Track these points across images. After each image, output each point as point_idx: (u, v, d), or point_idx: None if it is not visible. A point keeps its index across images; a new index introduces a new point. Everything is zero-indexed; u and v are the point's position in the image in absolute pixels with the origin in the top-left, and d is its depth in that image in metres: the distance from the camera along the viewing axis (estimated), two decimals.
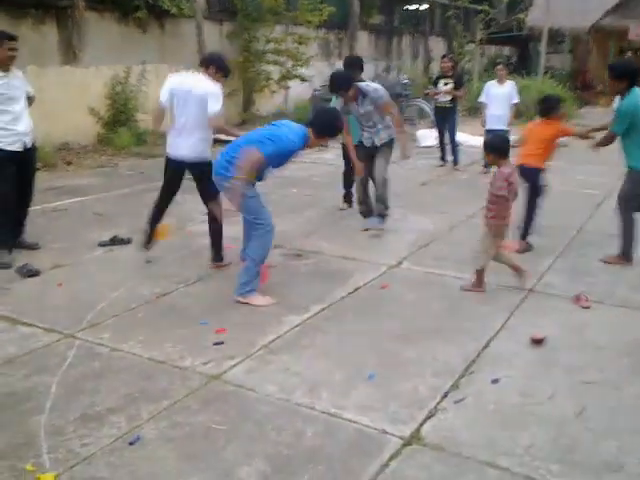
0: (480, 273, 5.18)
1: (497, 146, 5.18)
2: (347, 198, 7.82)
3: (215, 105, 5.15)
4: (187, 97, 5.21)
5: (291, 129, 4.78)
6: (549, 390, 3.70)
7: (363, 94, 6.40)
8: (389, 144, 6.68)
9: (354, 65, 7.17)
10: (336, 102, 6.69)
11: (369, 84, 6.63)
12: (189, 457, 3.08)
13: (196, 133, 5.26)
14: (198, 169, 5.33)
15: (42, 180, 6.52)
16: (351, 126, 6.58)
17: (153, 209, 5.58)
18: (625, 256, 5.82)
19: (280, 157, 4.72)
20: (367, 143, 6.64)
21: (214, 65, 5.38)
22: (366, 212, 6.93)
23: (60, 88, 10.40)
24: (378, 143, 6.61)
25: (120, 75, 11.44)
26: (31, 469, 2.95)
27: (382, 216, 6.77)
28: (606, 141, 5.92)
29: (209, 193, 5.31)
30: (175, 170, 5.44)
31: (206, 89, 5.17)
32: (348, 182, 7.71)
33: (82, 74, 10.91)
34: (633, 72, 5.63)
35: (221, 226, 5.52)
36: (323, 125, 4.86)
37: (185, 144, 5.27)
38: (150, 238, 5.63)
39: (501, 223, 5.09)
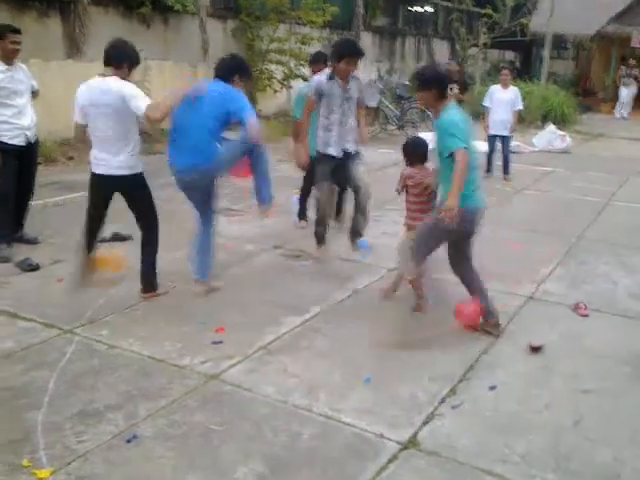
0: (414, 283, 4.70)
1: (409, 151, 4.95)
2: (302, 214, 6.91)
3: (140, 103, 4.36)
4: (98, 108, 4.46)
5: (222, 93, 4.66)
6: (546, 398, 3.71)
7: (353, 76, 5.37)
8: (358, 154, 5.57)
9: (318, 61, 6.62)
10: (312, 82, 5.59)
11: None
12: (186, 456, 3.08)
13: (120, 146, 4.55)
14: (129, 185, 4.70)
15: (43, 175, 6.51)
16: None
17: (85, 233, 4.84)
18: None
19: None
20: (335, 152, 5.38)
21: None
22: (323, 235, 5.80)
23: (63, 82, 10.35)
24: (351, 149, 5.47)
25: None
26: (27, 465, 2.96)
27: (362, 232, 5.74)
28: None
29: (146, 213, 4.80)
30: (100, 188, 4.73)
31: (118, 92, 4.40)
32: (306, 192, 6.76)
33: (85, 68, 10.83)
34: (442, 80, 4.40)
35: (156, 251, 4.86)
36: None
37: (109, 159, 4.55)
38: (88, 268, 4.83)
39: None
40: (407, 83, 16.79)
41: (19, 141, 5.59)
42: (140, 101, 4.35)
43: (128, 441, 3.16)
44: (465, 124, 4.20)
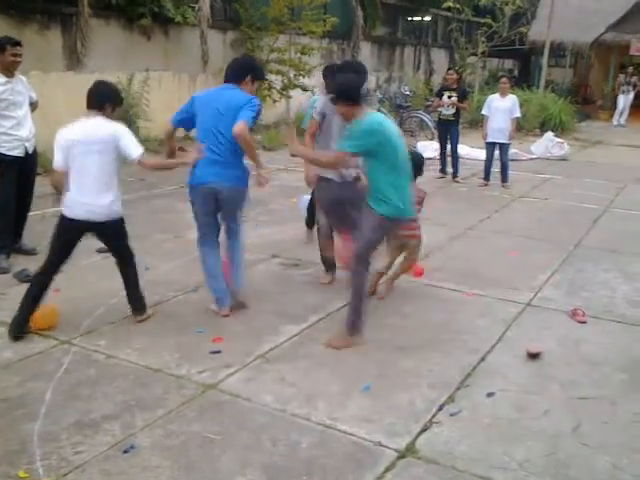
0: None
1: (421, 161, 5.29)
2: (310, 221, 6.43)
3: (135, 148, 4.33)
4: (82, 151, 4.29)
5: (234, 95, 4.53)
6: (545, 405, 3.70)
7: None
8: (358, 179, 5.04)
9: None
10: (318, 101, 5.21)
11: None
12: (184, 466, 3.07)
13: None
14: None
15: (42, 185, 6.50)
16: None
17: (35, 283, 4.51)
18: None
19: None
20: (335, 177, 4.99)
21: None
22: (330, 261, 5.57)
23: (63, 94, 10.40)
24: (349, 177, 5.00)
25: (123, 82, 11.47)
26: (24, 475, 2.95)
27: None
28: None
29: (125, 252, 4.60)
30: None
31: (109, 134, 4.28)
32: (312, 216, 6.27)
33: (86, 80, 10.84)
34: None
35: (136, 271, 4.64)
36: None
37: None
38: (26, 322, 4.40)
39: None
40: (406, 92, 16.85)
41: (18, 152, 5.61)
42: (133, 144, 4.34)
43: (125, 451, 3.16)
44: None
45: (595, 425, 3.52)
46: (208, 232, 4.72)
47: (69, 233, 4.40)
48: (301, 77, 14.29)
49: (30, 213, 6.09)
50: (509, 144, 10.05)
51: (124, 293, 4.67)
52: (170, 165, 4.88)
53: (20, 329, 4.34)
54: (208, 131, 4.52)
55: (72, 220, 4.33)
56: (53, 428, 3.33)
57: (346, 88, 4.27)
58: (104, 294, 5.03)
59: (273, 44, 13.90)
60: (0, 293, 5.09)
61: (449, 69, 11.13)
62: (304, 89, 14.34)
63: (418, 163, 5.03)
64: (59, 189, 4.40)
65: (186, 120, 4.69)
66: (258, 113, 4.52)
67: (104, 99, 4.35)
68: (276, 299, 5.07)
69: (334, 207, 5.08)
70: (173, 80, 12.69)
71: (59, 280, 5.32)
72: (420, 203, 5.10)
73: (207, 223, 4.70)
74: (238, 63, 4.78)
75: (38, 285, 4.44)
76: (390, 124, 4.29)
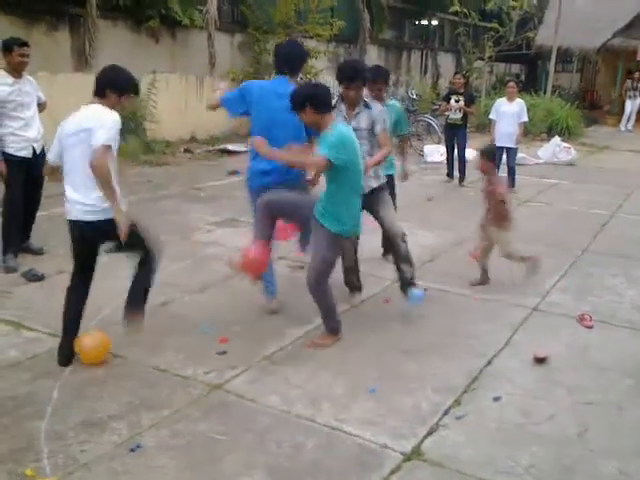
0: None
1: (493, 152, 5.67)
2: None
3: (100, 135, 3.72)
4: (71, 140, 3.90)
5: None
6: (551, 410, 3.69)
7: (365, 104, 4.85)
8: (385, 187, 5.05)
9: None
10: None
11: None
12: (189, 466, 3.08)
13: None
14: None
15: (50, 186, 6.53)
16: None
17: (70, 302, 4.15)
18: None
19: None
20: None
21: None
22: (356, 282, 5.31)
23: (71, 95, 10.41)
24: (373, 185, 4.87)
25: None
26: (31, 474, 2.96)
27: (413, 281, 5.04)
28: None
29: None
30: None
31: (93, 123, 3.79)
32: None
33: (93, 81, 10.97)
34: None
35: (148, 276, 4.23)
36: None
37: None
38: (71, 351, 4.00)
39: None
40: (413, 96, 16.85)
41: (26, 153, 5.63)
42: (102, 135, 3.71)
43: (131, 450, 3.16)
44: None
45: (601, 430, 3.51)
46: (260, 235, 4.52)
47: (75, 239, 4.08)
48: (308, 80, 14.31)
49: (38, 213, 6.10)
50: (516, 149, 10.04)
51: None
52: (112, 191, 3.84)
53: (68, 358, 3.97)
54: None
55: (72, 222, 4.04)
56: (60, 427, 3.34)
57: (314, 95, 4.08)
58: (111, 294, 5.02)
59: None
60: (7, 292, 5.10)
61: (456, 73, 11.14)
62: None
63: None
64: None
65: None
66: None
67: (105, 85, 3.93)
68: (282, 301, 5.06)
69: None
70: (180, 82, 12.72)
71: (66, 280, 5.34)
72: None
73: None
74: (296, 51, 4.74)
75: (71, 303, 4.12)
76: (354, 139, 4.17)
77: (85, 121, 3.83)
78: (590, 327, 4.84)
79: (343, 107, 4.83)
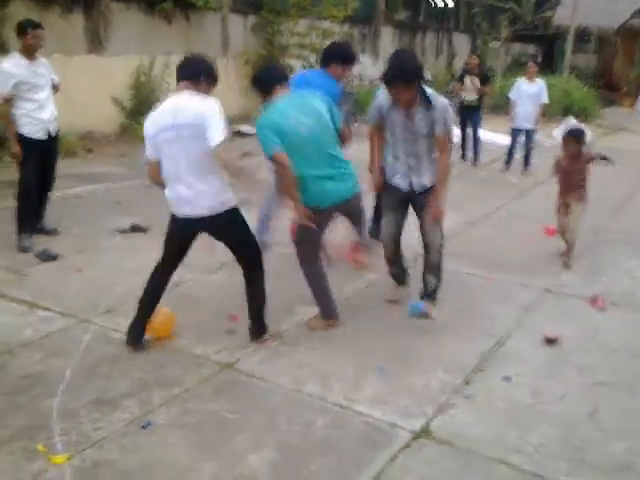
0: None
1: (582, 134, 5.80)
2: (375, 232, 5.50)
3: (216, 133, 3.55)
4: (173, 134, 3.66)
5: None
6: (561, 390, 3.69)
7: (426, 100, 4.23)
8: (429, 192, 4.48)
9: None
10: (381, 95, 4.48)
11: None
12: (199, 444, 3.11)
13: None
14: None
15: (63, 167, 6.57)
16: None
17: (153, 286, 4.04)
18: None
19: None
20: (401, 184, 4.49)
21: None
22: (401, 275, 4.99)
23: (85, 77, 10.46)
24: (419, 188, 4.46)
25: (145, 65, 11.50)
26: (43, 450, 3.00)
27: (434, 295, 4.67)
28: None
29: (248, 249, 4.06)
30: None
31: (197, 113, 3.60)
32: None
33: (107, 63, 10.98)
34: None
35: (264, 292, 4.14)
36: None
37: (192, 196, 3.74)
38: (142, 332, 4.01)
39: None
40: (428, 78, 16.70)
41: (40, 135, 5.66)
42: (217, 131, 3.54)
43: (143, 428, 3.20)
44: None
45: (611, 411, 3.50)
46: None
47: (180, 234, 3.94)
48: None
49: (51, 194, 6.15)
50: (535, 130, 9.95)
51: (143, 273, 4.71)
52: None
53: (139, 339, 3.98)
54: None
55: (185, 220, 3.82)
56: (72, 405, 3.38)
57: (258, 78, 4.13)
58: (124, 274, 5.08)
59: (294, 29, 13.84)
60: (22, 271, 5.15)
61: (471, 53, 11.01)
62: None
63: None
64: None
65: None
66: None
67: (199, 72, 3.78)
68: (291, 281, 5.05)
69: (394, 216, 4.65)
70: None
71: (80, 260, 5.40)
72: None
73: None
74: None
75: (152, 287, 4.02)
76: (285, 111, 3.92)
77: (192, 114, 3.59)
78: (603, 309, 4.81)
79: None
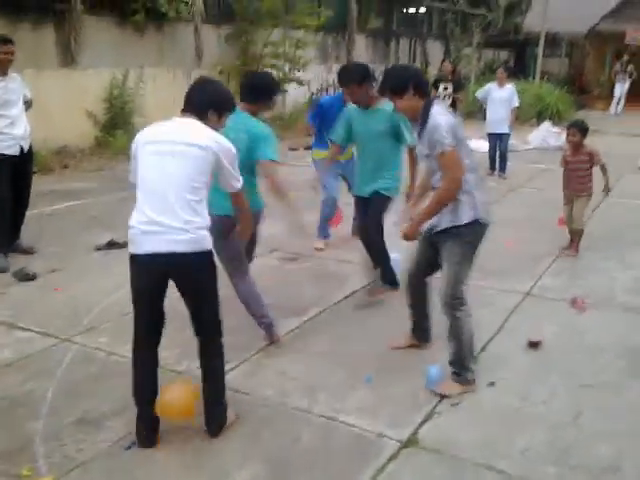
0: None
1: (585, 127, 6.13)
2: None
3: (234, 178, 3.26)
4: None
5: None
6: (545, 393, 3.71)
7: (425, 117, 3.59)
8: (469, 230, 3.65)
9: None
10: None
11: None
12: (185, 461, 3.08)
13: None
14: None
15: (39, 184, 6.51)
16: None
17: (139, 368, 3.31)
18: None
19: None
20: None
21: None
22: (423, 332, 4.24)
23: (58, 91, 10.38)
24: (440, 226, 3.68)
25: (118, 78, 11.44)
26: (27, 474, 2.95)
27: (456, 368, 3.76)
28: None
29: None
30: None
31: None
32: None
33: (80, 77, 10.91)
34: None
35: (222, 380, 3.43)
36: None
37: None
38: (152, 424, 3.22)
39: None
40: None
41: (13, 151, 5.59)
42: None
43: (128, 448, 3.16)
44: None
45: (596, 413, 3.53)
46: None
47: (145, 279, 3.29)
48: (296, 71, 14.26)
49: (27, 212, 6.06)
50: (509, 134, 10.05)
51: (123, 290, 4.65)
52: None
53: (152, 433, 3.22)
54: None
55: (146, 257, 3.15)
56: (55, 426, 3.32)
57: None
58: (103, 291, 5.02)
59: (267, 38, 13.86)
60: (0, 293, 5.07)
61: (444, 60, 11.12)
62: (299, 83, 14.31)
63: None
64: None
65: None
66: None
67: (206, 104, 3.16)
68: (275, 293, 5.04)
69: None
70: (167, 76, 12.63)
71: (58, 278, 5.34)
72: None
73: None
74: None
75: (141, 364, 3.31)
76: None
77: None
78: (583, 310, 4.85)
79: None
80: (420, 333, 4.21)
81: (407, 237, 3.76)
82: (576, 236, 6.26)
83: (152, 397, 3.20)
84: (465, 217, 3.59)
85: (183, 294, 3.24)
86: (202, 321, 3.33)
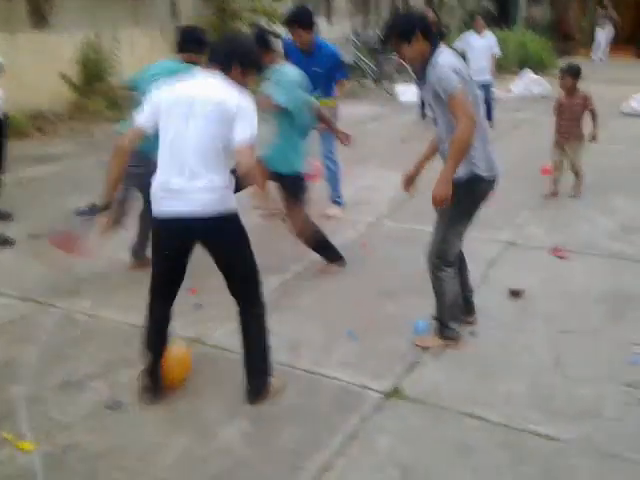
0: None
1: (577, 69, 6.34)
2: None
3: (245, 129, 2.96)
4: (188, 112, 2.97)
5: None
6: (527, 340, 3.74)
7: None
8: (462, 186, 3.41)
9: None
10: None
11: None
12: (170, 420, 3.09)
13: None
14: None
15: (15, 149, 6.39)
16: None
17: (150, 321, 3.32)
18: None
19: None
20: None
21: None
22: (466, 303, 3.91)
23: (31, 54, 10.13)
24: None
25: (92, 40, 11.18)
26: (11, 438, 2.94)
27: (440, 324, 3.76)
28: None
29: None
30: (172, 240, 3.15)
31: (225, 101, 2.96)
32: None
33: (53, 40, 10.64)
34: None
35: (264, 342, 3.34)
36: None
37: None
38: (157, 377, 3.23)
39: None
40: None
41: None
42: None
43: (111, 408, 3.16)
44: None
45: (577, 357, 3.57)
46: None
47: (169, 243, 3.22)
48: (273, 24, 13.98)
49: (3, 177, 5.96)
50: (491, 82, 9.95)
51: (105, 254, 4.61)
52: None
53: (156, 388, 3.24)
54: None
55: (171, 221, 3.09)
56: (39, 390, 3.32)
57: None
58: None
59: None
60: None
61: (426, 9, 10.94)
62: (276, 36, 14.05)
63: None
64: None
65: None
66: None
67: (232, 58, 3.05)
68: (257, 251, 4.99)
69: None
70: (142, 35, 12.36)
71: (37, 244, 5.27)
72: None
73: None
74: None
75: (161, 319, 3.34)
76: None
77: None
78: (564, 258, 4.87)
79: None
80: (463, 305, 3.86)
81: (437, 201, 3.36)
82: (579, 179, 6.43)
83: (162, 348, 3.26)
84: (460, 172, 3.38)
85: (213, 257, 3.23)
86: (234, 285, 3.31)
